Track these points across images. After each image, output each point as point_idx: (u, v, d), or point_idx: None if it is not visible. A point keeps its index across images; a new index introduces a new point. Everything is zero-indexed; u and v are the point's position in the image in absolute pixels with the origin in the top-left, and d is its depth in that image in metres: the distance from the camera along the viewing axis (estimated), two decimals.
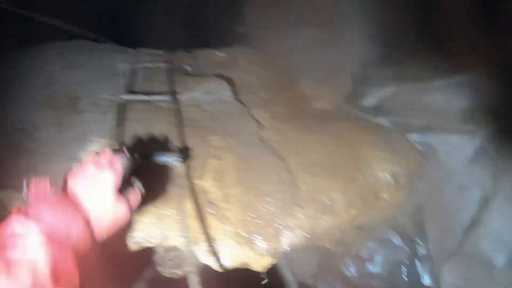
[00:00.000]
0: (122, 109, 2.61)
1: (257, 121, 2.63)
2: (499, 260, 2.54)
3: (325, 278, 2.77)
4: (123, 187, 1.50)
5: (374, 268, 2.73)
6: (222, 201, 2.16)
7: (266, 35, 3.51)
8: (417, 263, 2.73)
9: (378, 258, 2.72)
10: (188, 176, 2.22)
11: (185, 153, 2.26)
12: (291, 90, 3.08)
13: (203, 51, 3.39)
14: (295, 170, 2.34)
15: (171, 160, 2.13)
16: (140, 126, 2.50)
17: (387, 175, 2.48)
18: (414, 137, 2.82)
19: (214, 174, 2.25)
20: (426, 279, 2.71)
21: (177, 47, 3.41)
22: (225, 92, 2.81)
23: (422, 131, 2.82)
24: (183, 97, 2.76)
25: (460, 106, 2.76)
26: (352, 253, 2.74)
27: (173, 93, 2.74)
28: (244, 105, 2.76)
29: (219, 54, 3.32)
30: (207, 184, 2.22)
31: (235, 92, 2.86)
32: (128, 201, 1.48)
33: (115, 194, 1.40)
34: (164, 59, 3.17)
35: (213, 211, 2.12)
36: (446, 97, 2.79)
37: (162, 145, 2.36)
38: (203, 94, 2.78)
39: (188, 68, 3.15)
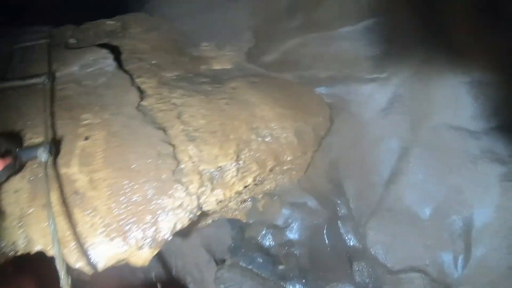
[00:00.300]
0: None
1: (141, 90, 2.10)
2: (425, 212, 2.13)
3: (244, 252, 2.33)
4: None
5: (293, 235, 2.29)
6: (89, 188, 1.65)
7: None
8: (339, 224, 2.29)
9: (296, 225, 2.27)
10: (53, 165, 1.72)
11: (52, 144, 1.75)
12: (188, 54, 2.55)
13: (93, 22, 2.82)
14: (177, 140, 1.82)
15: (36, 155, 1.64)
16: (10, 115, 1.97)
17: (289, 134, 2.01)
18: (322, 90, 2.34)
19: (81, 158, 1.74)
20: (350, 240, 2.28)
21: (65, 20, 2.84)
22: (107, 62, 2.27)
23: (330, 83, 2.33)
24: (60, 74, 2.22)
25: (370, 54, 2.30)
26: (267, 223, 2.30)
27: (49, 72, 2.20)
28: (128, 74, 2.23)
29: (109, 23, 2.76)
30: (73, 170, 1.71)
31: (120, 61, 2.32)
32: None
33: None
34: (46, 35, 2.60)
35: (79, 202, 1.64)
36: (354, 45, 2.32)
37: (25, 138, 1.85)
38: (82, 68, 2.24)
39: (72, 42, 2.58)
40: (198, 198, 1.70)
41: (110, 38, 2.59)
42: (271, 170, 1.93)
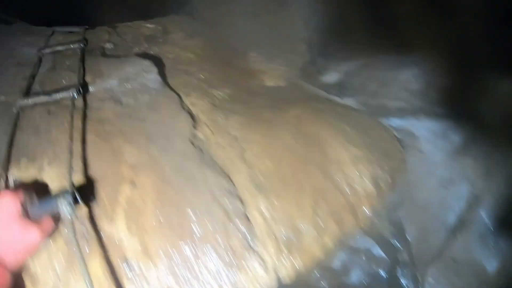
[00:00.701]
0: (14, 118, 1.51)
1: (191, 115, 1.57)
2: (492, 265, 1.69)
3: None
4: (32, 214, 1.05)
5: (349, 280, 1.83)
6: (142, 257, 1.14)
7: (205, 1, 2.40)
8: (398, 270, 1.85)
9: (354, 270, 1.82)
10: (92, 218, 1.20)
11: (83, 190, 1.21)
12: (236, 66, 2.00)
13: (130, 24, 2.23)
14: (245, 192, 1.30)
15: (59, 206, 1.09)
16: (34, 140, 1.42)
17: (367, 183, 1.52)
18: (390, 122, 1.82)
19: (128, 212, 1.22)
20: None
21: (101, 21, 2.24)
22: (151, 76, 1.71)
23: (399, 114, 1.81)
24: (96, 88, 1.66)
25: (446, 85, 1.80)
26: (321, 264, 1.83)
27: (82, 86, 1.63)
28: (176, 93, 1.67)
29: (148, 26, 2.17)
30: (119, 228, 1.18)
31: (164, 75, 1.76)
32: (38, 226, 1.03)
33: (20, 219, 1.00)
34: (79, 38, 2.01)
35: (131, 276, 1.13)
36: (428, 73, 1.82)
37: (49, 179, 1.30)
38: (122, 82, 1.67)
39: (108, 47, 2.00)
40: (275, 269, 1.21)
41: (149, 44, 2.02)
42: (345, 225, 1.44)
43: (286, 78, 1.98)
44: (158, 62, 1.80)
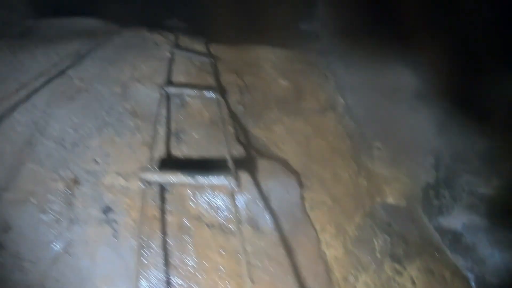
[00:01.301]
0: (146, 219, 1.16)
1: (327, 268, 1.35)
2: None
3: None
4: None
5: None
6: None
7: (341, 44, 1.91)
8: None
9: None
10: None
11: None
12: (362, 166, 1.72)
13: (264, 75, 1.69)
14: None
15: None
16: None
17: None
18: None
19: None
20: None
21: (226, 39, 1.69)
22: (293, 198, 1.37)
23: None
24: (238, 201, 1.29)
25: None
26: None
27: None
28: (313, 227, 1.39)
29: (281, 82, 1.66)
30: None
31: (303, 198, 1.42)
32: None
33: None
34: (211, 83, 1.49)
35: None
36: None
37: None
38: (262, 199, 1.32)
39: (240, 109, 1.51)
40: None
41: (280, 111, 1.59)
42: None
43: (407, 197, 1.75)
44: (298, 178, 1.44)
